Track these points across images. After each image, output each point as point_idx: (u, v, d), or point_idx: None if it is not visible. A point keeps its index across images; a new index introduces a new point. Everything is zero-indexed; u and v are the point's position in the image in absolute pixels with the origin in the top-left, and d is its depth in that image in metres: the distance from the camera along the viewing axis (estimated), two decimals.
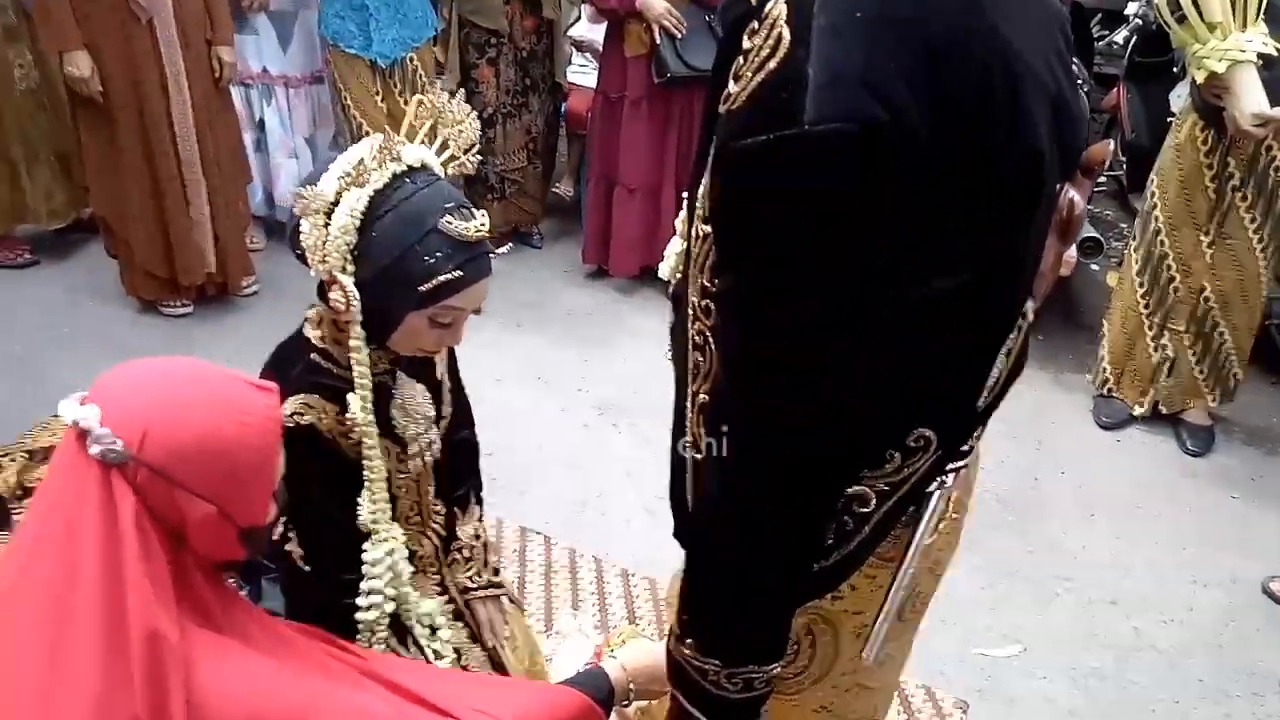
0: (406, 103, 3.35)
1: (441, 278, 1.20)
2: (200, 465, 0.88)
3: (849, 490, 0.93)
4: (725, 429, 0.90)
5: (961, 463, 1.00)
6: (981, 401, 0.95)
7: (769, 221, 0.77)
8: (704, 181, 0.88)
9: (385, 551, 1.35)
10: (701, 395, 0.96)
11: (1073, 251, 1.19)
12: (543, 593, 2.16)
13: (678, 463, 1.06)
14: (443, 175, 1.27)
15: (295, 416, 1.23)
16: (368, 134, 3.36)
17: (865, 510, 0.95)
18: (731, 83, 0.78)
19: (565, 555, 2.28)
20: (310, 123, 3.65)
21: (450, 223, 1.19)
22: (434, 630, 1.47)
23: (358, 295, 1.18)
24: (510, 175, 3.77)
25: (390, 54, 3.33)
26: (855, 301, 0.79)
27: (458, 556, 1.58)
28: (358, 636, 1.37)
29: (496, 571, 1.64)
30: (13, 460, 2.40)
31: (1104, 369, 3.00)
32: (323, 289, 1.25)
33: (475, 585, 1.59)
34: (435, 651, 1.45)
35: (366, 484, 1.31)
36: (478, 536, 1.62)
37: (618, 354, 3.17)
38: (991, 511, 2.53)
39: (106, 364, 2.84)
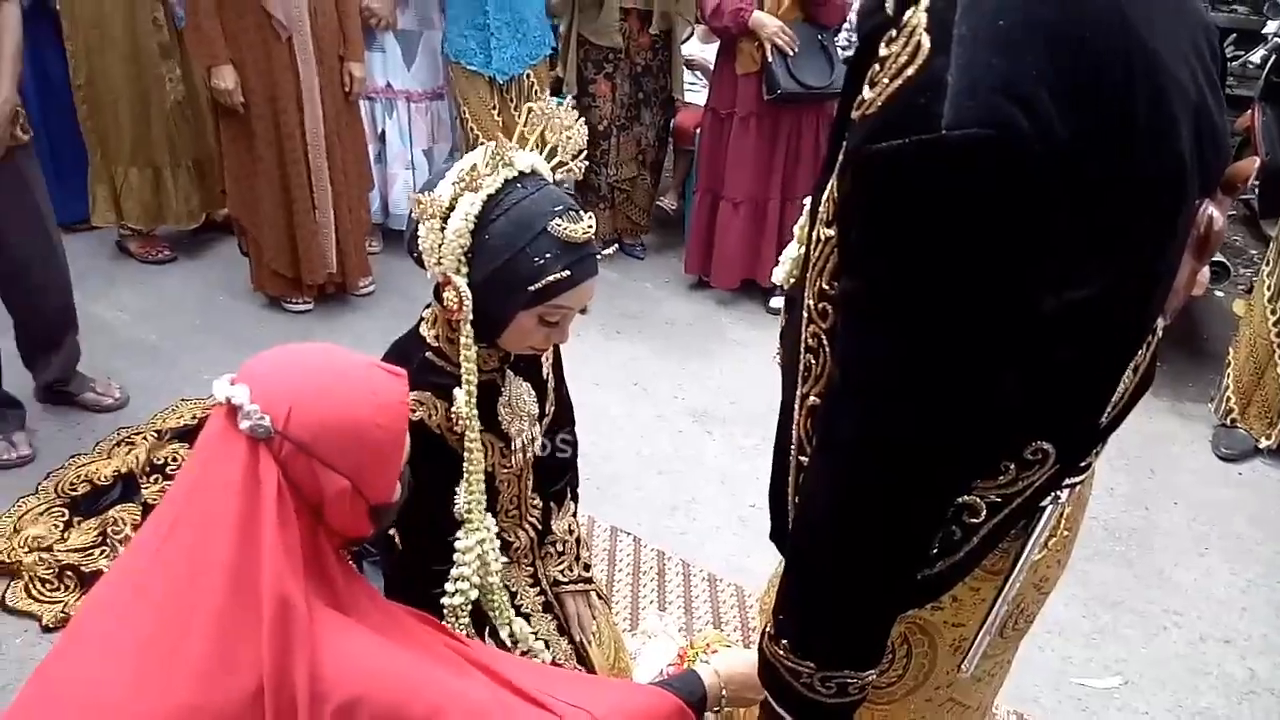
0: (520, 114, 3.47)
1: (551, 277, 1.24)
2: (338, 442, 0.94)
3: (960, 500, 0.94)
4: (836, 434, 0.91)
5: (1078, 478, 0.99)
6: (1104, 418, 0.95)
7: (900, 225, 0.78)
8: (829, 185, 0.90)
9: (476, 540, 1.41)
10: (812, 398, 0.98)
11: (1205, 271, 1.16)
12: (630, 592, 2.20)
13: (780, 465, 1.08)
14: (552, 180, 1.32)
15: (409, 412, 1.30)
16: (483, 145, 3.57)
17: (975, 521, 0.95)
18: (867, 89, 0.79)
19: (654, 557, 2.31)
20: (429, 136, 3.81)
21: (560, 225, 1.23)
22: (527, 618, 1.53)
23: (470, 295, 1.24)
24: (620, 185, 3.85)
25: (508, 70, 3.47)
26: (983, 309, 0.79)
27: (551, 550, 1.63)
28: (444, 618, 1.43)
29: (587, 567, 1.69)
30: (144, 439, 2.58)
31: (1228, 398, 2.88)
32: (438, 290, 1.31)
33: (566, 579, 1.64)
34: (516, 642, 1.50)
35: (465, 475, 1.36)
36: (571, 532, 1.67)
37: (715, 364, 3.20)
38: (1097, 539, 2.45)
39: (233, 354, 3.03)
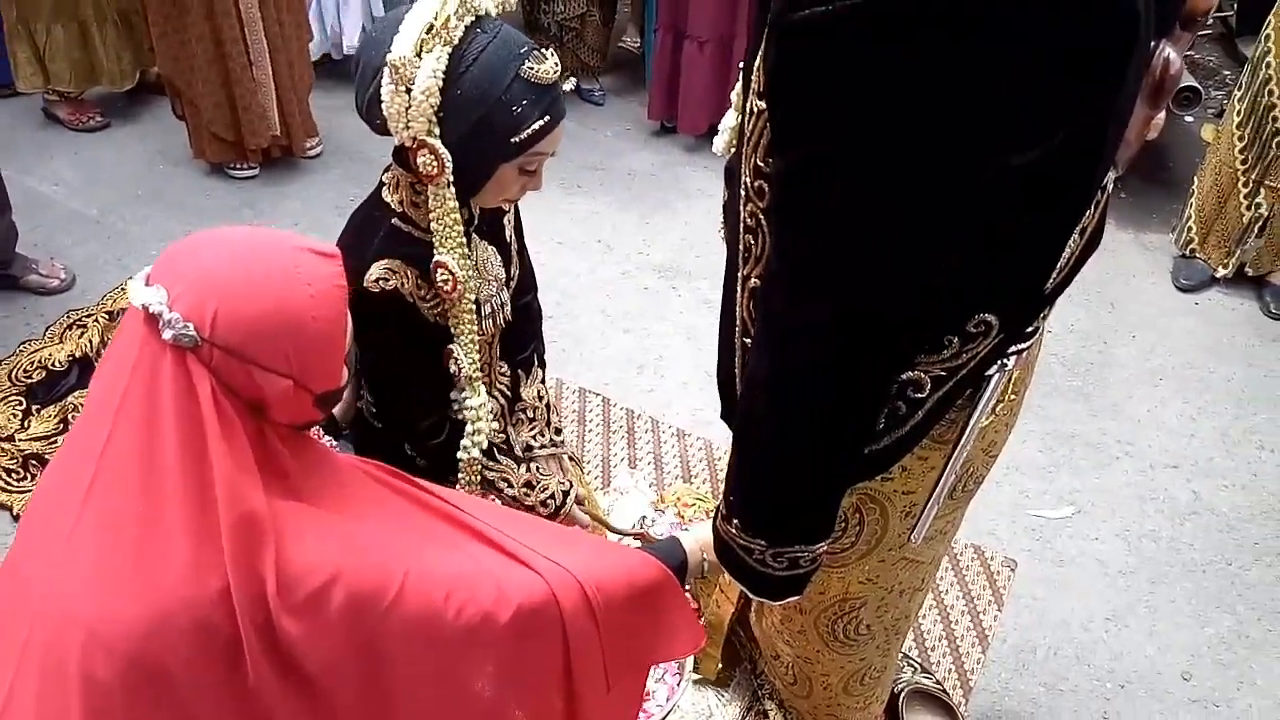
0: None
1: (534, 126, 1.21)
2: (272, 341, 0.88)
3: (903, 376, 0.94)
4: (776, 314, 0.90)
5: (1025, 345, 0.99)
6: (1050, 284, 0.93)
7: (830, 98, 0.74)
8: (760, 53, 0.85)
9: (487, 396, 1.42)
10: (753, 280, 0.96)
11: (1160, 116, 1.12)
12: (600, 451, 2.25)
13: (726, 347, 1.07)
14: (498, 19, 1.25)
15: (380, 282, 1.26)
16: None
17: (919, 396, 0.95)
18: None
19: (623, 416, 2.35)
20: None
21: (530, 68, 1.19)
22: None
23: (449, 156, 1.19)
24: (568, 23, 3.64)
25: None
26: (918, 181, 0.76)
27: (522, 417, 1.65)
28: (459, 475, 1.45)
29: (558, 431, 1.72)
30: (96, 321, 2.53)
31: (1189, 228, 2.88)
32: (401, 154, 1.26)
33: (538, 444, 1.66)
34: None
35: (462, 339, 1.36)
36: (541, 398, 1.69)
37: (680, 217, 3.14)
38: (1056, 375, 2.51)
39: (180, 225, 2.93)
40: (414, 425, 1.43)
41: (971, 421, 1.00)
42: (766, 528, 1.03)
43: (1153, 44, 0.91)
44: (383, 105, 1.17)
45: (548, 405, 1.70)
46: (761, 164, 0.88)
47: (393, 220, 1.30)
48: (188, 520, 0.87)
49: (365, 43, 1.23)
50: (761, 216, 0.91)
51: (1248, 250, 2.77)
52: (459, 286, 1.30)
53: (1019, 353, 0.98)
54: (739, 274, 1.00)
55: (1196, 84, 3.06)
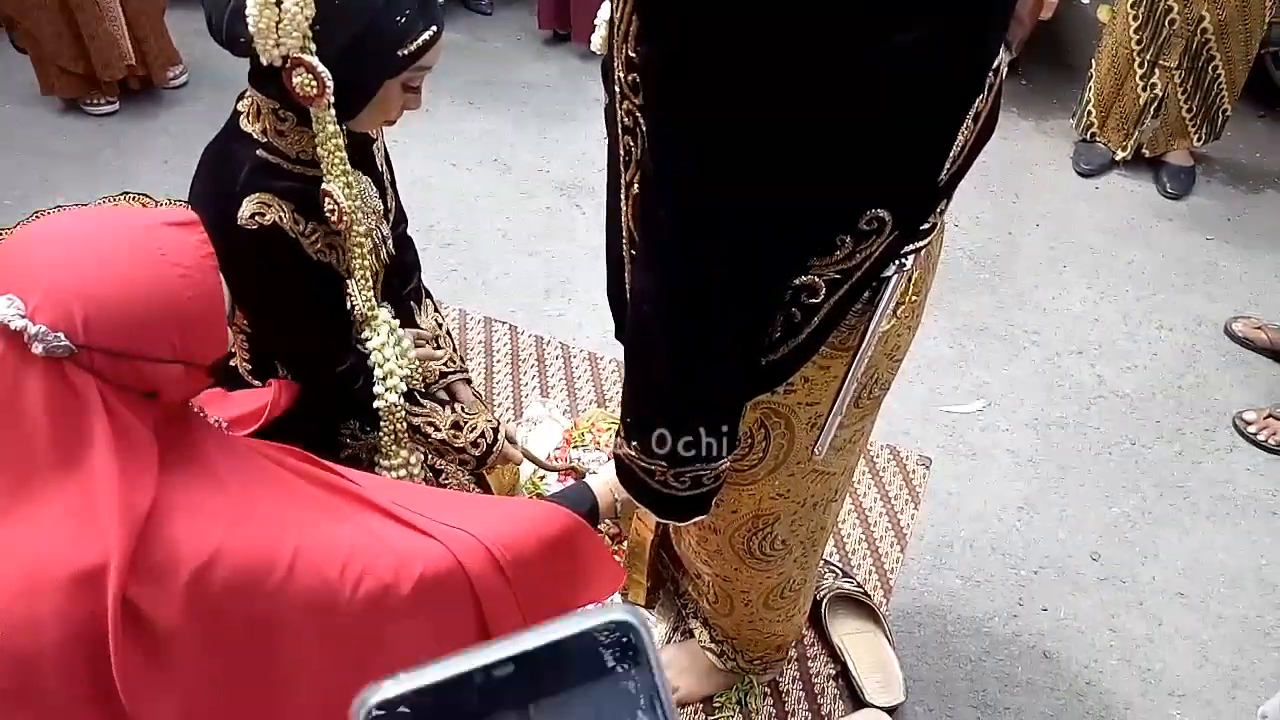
0: None
1: (423, 37, 1.13)
2: (153, 332, 0.82)
3: (796, 281, 0.88)
4: (656, 222, 0.83)
5: (922, 242, 0.94)
6: (943, 175, 0.88)
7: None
8: None
9: (388, 332, 1.34)
10: (635, 186, 0.89)
11: None
12: (510, 382, 2.17)
13: (614, 259, 1.00)
14: None
15: (256, 218, 1.16)
16: None
17: (814, 301, 0.90)
18: None
19: (531, 343, 2.27)
20: None
21: None
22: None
23: (329, 74, 1.08)
24: None
25: None
26: (797, 68, 0.70)
27: (427, 348, 1.57)
28: (382, 424, 1.38)
29: (463, 360, 1.64)
30: None
31: (1089, 112, 2.88)
32: (261, 77, 1.14)
33: (451, 370, 1.59)
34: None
35: (355, 272, 1.27)
36: (440, 326, 1.60)
37: (580, 129, 3.01)
38: (963, 269, 2.51)
39: (36, 173, 2.67)
40: (328, 374, 1.33)
41: (872, 325, 0.95)
42: (665, 456, 0.98)
43: None
44: (249, 20, 1.04)
45: (447, 332, 1.62)
46: (633, 55, 0.80)
47: (257, 152, 1.18)
48: (65, 513, 0.80)
49: None
50: (639, 115, 0.83)
51: (1144, 131, 2.79)
52: (346, 217, 1.21)
53: (916, 251, 0.93)
54: (621, 180, 0.93)
55: None
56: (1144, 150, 2.83)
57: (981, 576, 1.83)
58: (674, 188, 0.80)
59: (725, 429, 0.97)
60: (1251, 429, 2.07)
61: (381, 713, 0.30)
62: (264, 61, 1.09)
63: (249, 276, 1.17)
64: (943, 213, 0.96)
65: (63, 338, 0.77)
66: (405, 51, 1.13)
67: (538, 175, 2.81)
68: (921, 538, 1.89)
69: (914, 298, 1.02)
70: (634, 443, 1.00)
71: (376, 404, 1.36)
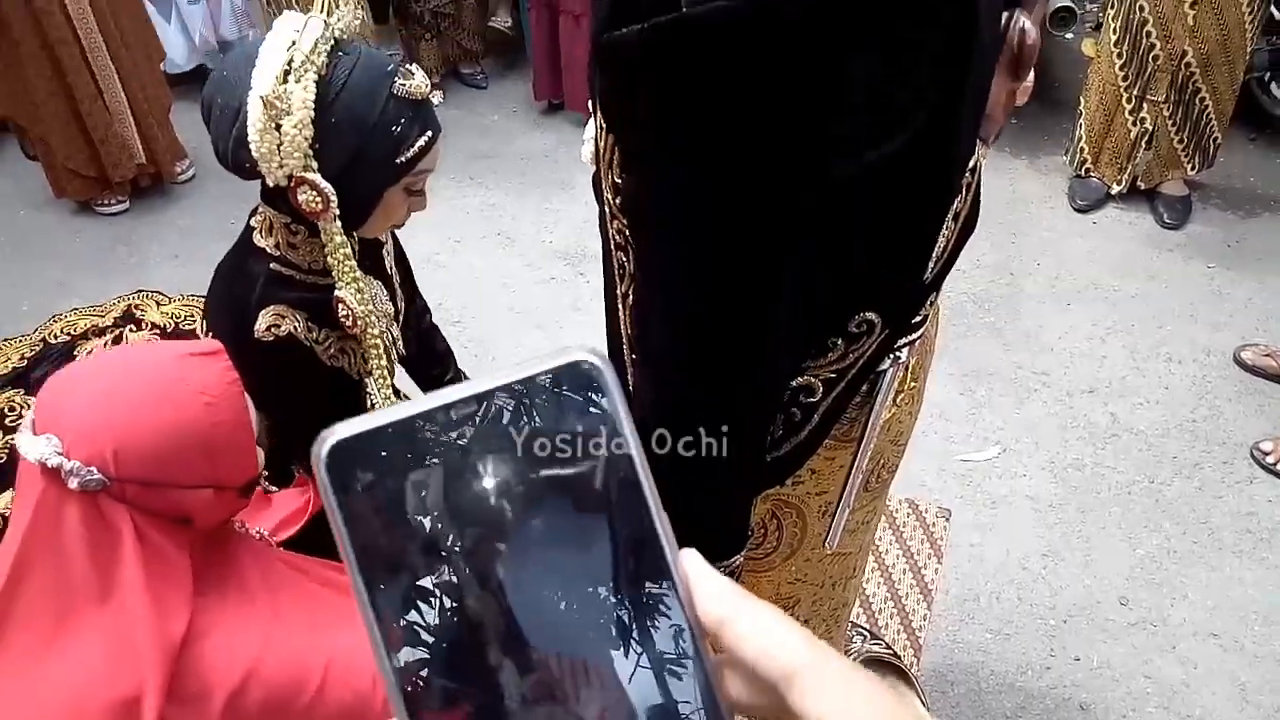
0: None
1: (419, 143, 1.17)
2: (181, 460, 0.86)
3: (794, 383, 0.90)
4: (651, 343, 0.86)
5: (915, 335, 0.96)
6: (929, 274, 0.90)
7: (662, 116, 0.69)
8: (589, 68, 0.80)
9: None
10: (630, 296, 0.91)
11: (1030, 78, 1.10)
12: None
13: (618, 363, 1.03)
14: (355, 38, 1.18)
15: (272, 330, 1.19)
16: None
17: (813, 400, 0.92)
18: None
19: None
20: None
21: (402, 84, 1.13)
22: None
23: (332, 189, 1.12)
24: (442, 10, 3.50)
25: None
26: (773, 190, 0.72)
27: None
28: None
29: None
30: None
31: (1081, 148, 2.90)
32: (271, 194, 1.18)
33: None
34: None
35: (373, 372, 1.31)
36: None
37: (580, 196, 3.06)
38: (967, 314, 2.52)
39: (52, 273, 2.71)
40: None
41: (872, 417, 0.97)
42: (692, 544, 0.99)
43: (1005, 15, 0.88)
44: (251, 146, 1.09)
45: None
46: (618, 180, 0.83)
47: (270, 265, 1.22)
48: (103, 644, 0.84)
49: (217, 83, 1.14)
50: (629, 233, 0.86)
51: (1138, 164, 2.82)
52: (360, 321, 1.25)
53: (911, 343, 0.96)
54: (617, 291, 0.95)
55: (1070, 3, 3.08)
56: (1139, 183, 2.85)
57: (1011, 629, 1.82)
58: (665, 309, 0.82)
59: (735, 527, 0.99)
60: (1270, 459, 2.07)
61: (344, 452, 0.30)
62: (270, 183, 1.14)
63: (268, 385, 1.20)
64: (933, 304, 0.98)
65: (95, 471, 0.82)
66: (403, 159, 1.16)
67: (541, 246, 2.86)
68: (947, 592, 1.89)
69: (913, 384, 1.04)
70: None
71: None
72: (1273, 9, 2.79)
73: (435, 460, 0.30)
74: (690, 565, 0.34)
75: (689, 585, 0.32)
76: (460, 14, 3.55)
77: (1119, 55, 2.71)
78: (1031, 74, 1.10)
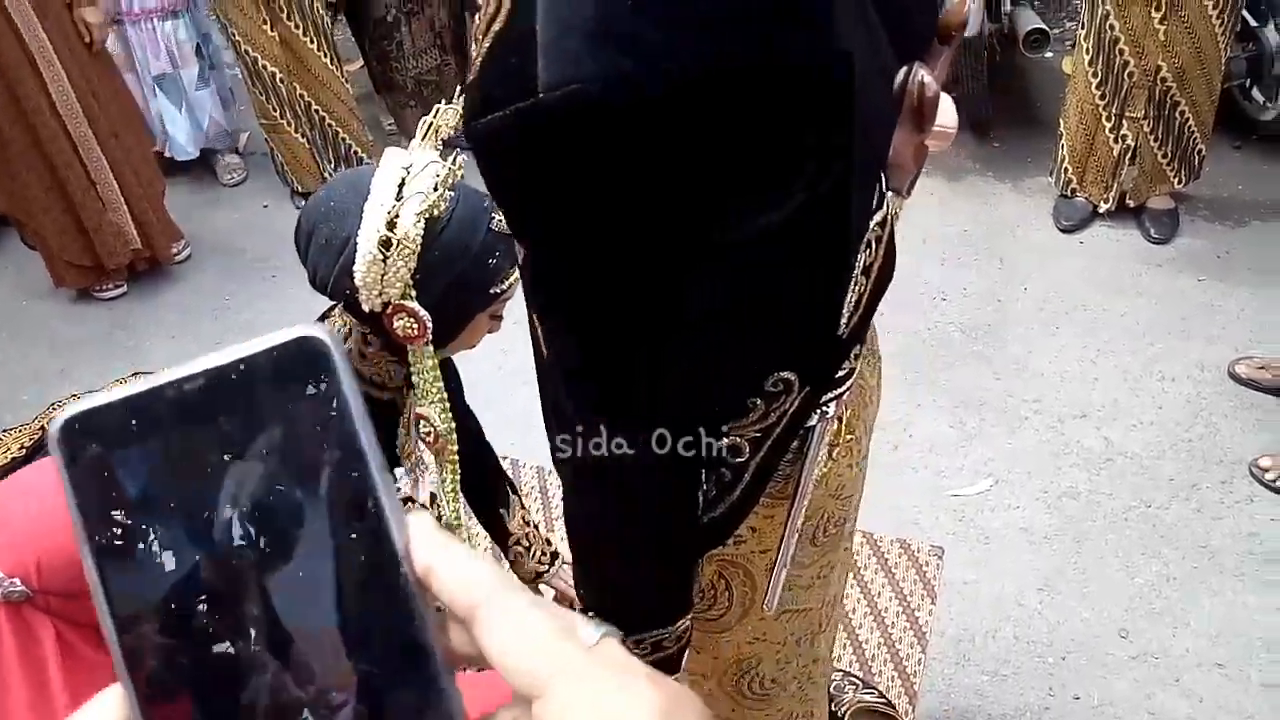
0: (298, 26, 3.16)
1: (512, 277, 1.21)
2: None
3: (718, 445, 0.90)
4: (565, 414, 0.86)
5: (842, 389, 0.95)
6: (844, 329, 0.90)
7: (540, 196, 0.70)
8: None
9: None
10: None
11: (951, 119, 1.10)
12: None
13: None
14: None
15: None
16: (264, 69, 3.25)
17: (741, 460, 0.91)
18: (472, 46, 0.70)
19: (534, 475, 2.29)
20: (167, 61, 3.45)
21: (497, 220, 1.18)
22: None
23: (429, 316, 1.16)
24: (425, 78, 3.57)
25: None
26: (658, 261, 0.72)
27: (519, 549, 1.64)
28: None
29: (549, 542, 1.70)
30: None
31: (1065, 168, 2.89)
32: (358, 309, 1.20)
33: (544, 567, 1.67)
34: None
35: (446, 490, 1.35)
36: (528, 523, 1.69)
37: None
38: (955, 343, 2.50)
39: (53, 361, 2.76)
40: None
41: (804, 474, 0.96)
42: (618, 618, 0.98)
43: (905, 70, 0.89)
44: (355, 276, 1.13)
45: (535, 526, 1.70)
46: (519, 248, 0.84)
47: None
48: None
49: (321, 212, 1.18)
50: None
51: (1124, 180, 2.80)
52: (442, 439, 1.29)
53: (838, 397, 0.95)
54: (542, 358, 0.95)
55: (1043, 25, 3.09)
56: (1127, 199, 2.83)
57: (1008, 669, 1.78)
58: (570, 383, 0.82)
59: (675, 593, 0.98)
60: (1269, 475, 2.02)
61: (77, 429, 0.31)
62: (365, 308, 1.17)
63: None
64: (858, 356, 0.97)
65: (18, 583, 0.83)
66: (497, 290, 1.21)
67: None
68: (942, 634, 1.85)
69: (848, 436, 1.03)
70: (589, 614, 1.01)
71: None
72: (1245, 14, 2.78)
73: (159, 434, 0.32)
74: (413, 524, 0.34)
75: (408, 545, 0.33)
76: (443, 80, 3.62)
77: (1094, 74, 2.70)
78: (953, 118, 1.10)
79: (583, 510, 0.92)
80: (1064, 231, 2.86)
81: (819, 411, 0.93)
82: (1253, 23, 2.87)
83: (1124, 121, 2.71)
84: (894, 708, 1.69)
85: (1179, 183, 2.78)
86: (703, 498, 0.94)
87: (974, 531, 2.02)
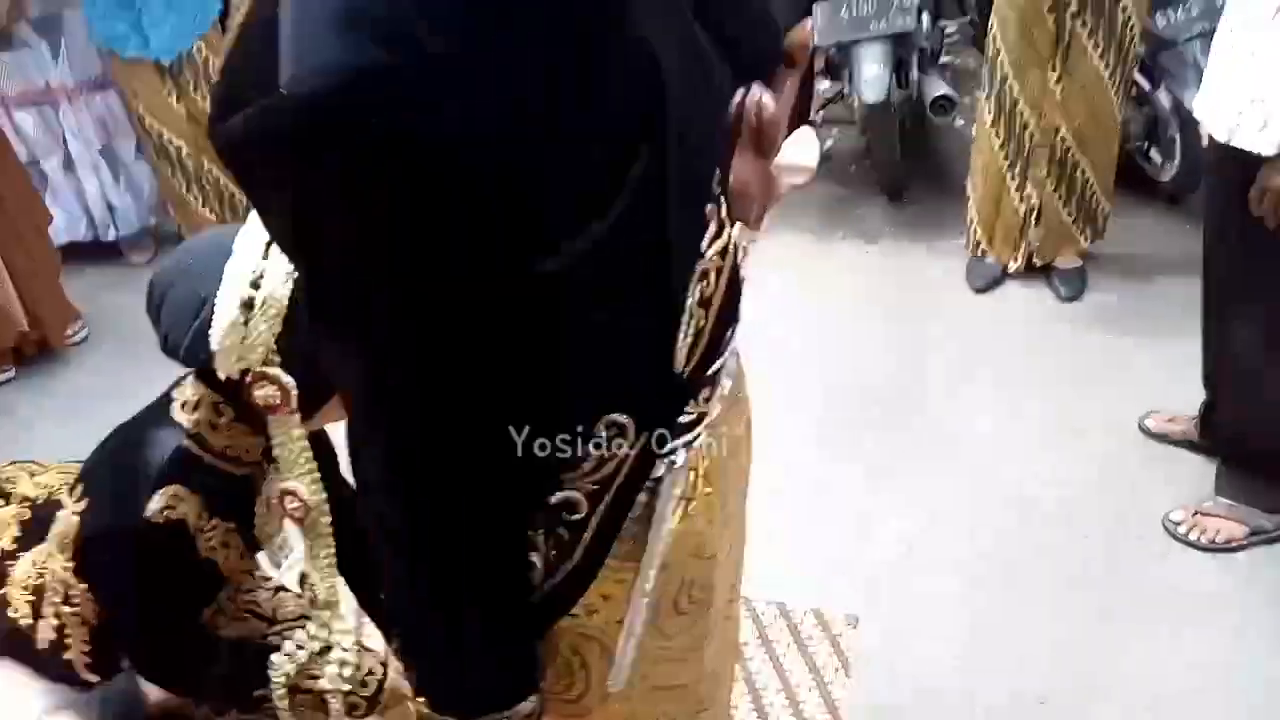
0: (204, 99, 3.10)
1: None
2: None
3: (553, 499, 0.82)
4: (361, 459, 0.78)
5: (690, 436, 0.88)
6: (682, 368, 0.83)
7: (286, 217, 0.63)
8: None
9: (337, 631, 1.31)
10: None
11: (811, 156, 1.06)
12: None
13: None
14: None
15: (166, 511, 1.14)
16: (170, 143, 3.17)
17: (578, 517, 0.83)
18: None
19: None
20: (104, 133, 3.37)
21: None
22: None
23: (294, 384, 1.08)
24: None
25: (172, 49, 3.06)
26: (470, 283, 0.65)
27: None
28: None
29: None
30: None
31: (974, 230, 2.92)
32: (212, 378, 1.12)
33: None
34: None
35: (319, 563, 1.25)
36: None
37: None
38: (868, 406, 2.46)
39: None
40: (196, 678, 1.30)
41: (653, 533, 0.88)
42: (452, 701, 0.88)
43: (742, 91, 0.85)
44: (211, 339, 1.05)
45: None
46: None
47: (183, 442, 1.16)
48: None
49: (180, 269, 1.10)
50: None
51: (1031, 241, 2.83)
52: (311, 514, 1.20)
53: (689, 444, 0.87)
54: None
55: (949, 91, 3.16)
56: (1035, 259, 2.86)
57: None
58: (363, 424, 0.75)
59: (514, 670, 0.88)
60: (1181, 529, 1.98)
61: None
62: (220, 375, 1.09)
63: (123, 573, 1.17)
64: (709, 400, 0.89)
65: None
66: None
67: None
68: (856, 707, 1.75)
69: (707, 490, 0.95)
70: (421, 697, 0.90)
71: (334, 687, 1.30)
72: (1138, 77, 2.88)
73: None
74: None
75: None
76: None
77: (997, 135, 2.76)
78: (813, 155, 1.07)
79: (402, 582, 0.83)
80: (977, 291, 2.87)
81: (666, 462, 0.86)
82: (1146, 87, 2.97)
83: (1028, 182, 2.76)
84: None
85: (1085, 240, 2.82)
86: (541, 562, 0.86)
87: (889, 599, 1.94)
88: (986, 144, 2.80)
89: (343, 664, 1.31)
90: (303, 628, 1.32)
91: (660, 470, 0.86)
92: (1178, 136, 2.91)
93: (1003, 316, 2.76)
